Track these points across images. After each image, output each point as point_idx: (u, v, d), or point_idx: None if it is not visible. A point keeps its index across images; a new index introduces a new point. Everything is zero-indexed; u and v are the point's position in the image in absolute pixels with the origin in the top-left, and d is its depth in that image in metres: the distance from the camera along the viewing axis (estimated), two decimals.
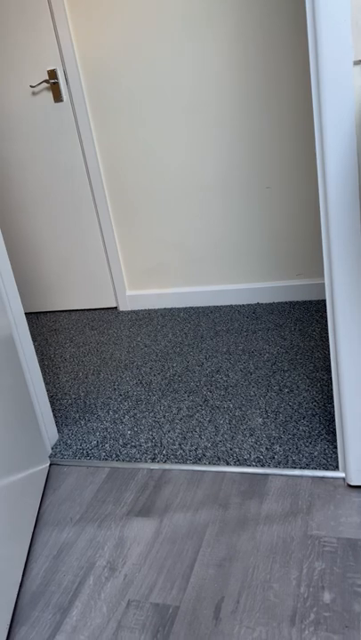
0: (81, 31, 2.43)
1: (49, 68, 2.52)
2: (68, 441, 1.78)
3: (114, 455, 1.67)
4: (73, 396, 2.06)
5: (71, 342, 2.58)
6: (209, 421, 1.75)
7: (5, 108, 2.67)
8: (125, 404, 1.94)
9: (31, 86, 2.55)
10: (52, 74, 2.52)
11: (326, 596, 1.11)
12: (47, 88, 2.56)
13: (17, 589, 1.24)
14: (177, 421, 1.78)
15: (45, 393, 1.75)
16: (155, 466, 1.59)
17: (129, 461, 1.63)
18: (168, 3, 2.28)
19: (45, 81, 2.54)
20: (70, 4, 2.40)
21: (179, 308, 2.75)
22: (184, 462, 1.58)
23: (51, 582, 1.27)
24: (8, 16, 2.49)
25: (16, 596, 1.23)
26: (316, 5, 1.02)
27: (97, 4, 2.36)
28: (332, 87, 1.06)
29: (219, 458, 1.57)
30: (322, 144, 1.13)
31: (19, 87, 2.60)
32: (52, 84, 2.54)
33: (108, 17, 2.37)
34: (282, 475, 1.47)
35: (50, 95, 2.57)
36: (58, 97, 2.56)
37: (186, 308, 2.73)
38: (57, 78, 2.52)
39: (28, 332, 1.67)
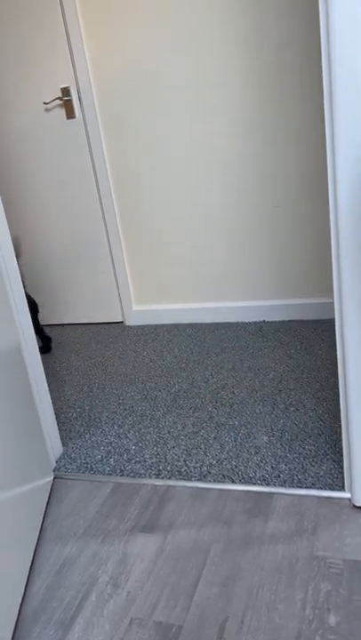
0: (94, 50, 2.48)
1: (62, 86, 2.57)
2: (73, 455, 1.77)
3: (118, 470, 1.66)
4: (78, 410, 2.06)
5: (77, 356, 2.58)
6: (214, 438, 1.74)
7: (19, 124, 2.71)
8: (130, 418, 1.94)
9: (44, 103, 2.60)
10: (66, 91, 2.56)
11: (332, 619, 1.10)
12: (60, 105, 2.61)
13: (19, 605, 1.23)
14: (182, 437, 1.77)
15: (51, 406, 1.75)
16: (159, 482, 1.58)
17: (133, 477, 1.62)
18: (180, 21, 2.32)
19: (59, 98, 2.58)
20: (85, 24, 2.45)
21: (185, 324, 2.76)
22: (188, 479, 1.57)
23: (53, 598, 1.26)
24: (25, 34, 2.55)
25: (18, 611, 1.22)
26: (331, 25, 1.04)
27: (111, 25, 2.41)
28: (345, 106, 1.07)
29: (224, 475, 1.56)
30: (334, 164, 1.14)
31: (32, 104, 2.64)
32: (65, 101, 2.58)
33: (122, 36, 2.42)
34: (287, 494, 1.46)
35: (62, 112, 2.61)
36: (70, 114, 2.60)
37: (192, 324, 2.74)
38: (70, 96, 2.57)
39: (36, 345, 1.68)
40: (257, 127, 2.37)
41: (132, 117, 2.53)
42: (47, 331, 2.98)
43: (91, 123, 2.59)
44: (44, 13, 2.48)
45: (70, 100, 2.57)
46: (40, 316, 3.06)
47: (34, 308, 2.59)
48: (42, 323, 3.07)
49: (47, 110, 2.63)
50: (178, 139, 2.50)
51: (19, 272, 1.60)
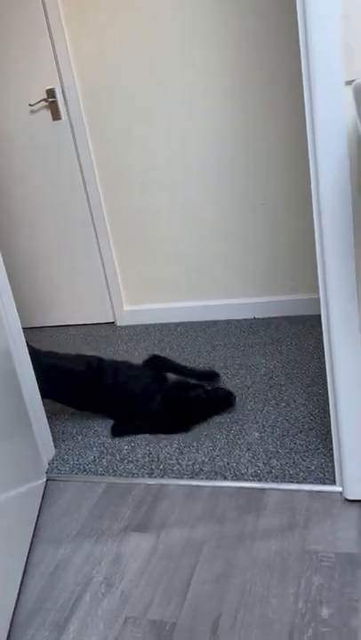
0: (79, 51, 2.47)
1: (47, 87, 2.56)
2: (65, 456, 1.78)
3: (111, 470, 1.66)
4: (70, 411, 2.06)
5: None
6: (206, 436, 1.75)
7: (5, 127, 2.70)
8: None
9: (30, 105, 2.59)
10: (51, 93, 2.56)
11: (324, 612, 1.11)
12: (46, 107, 2.60)
13: (13, 607, 1.23)
14: (174, 436, 1.78)
15: (42, 408, 1.75)
16: (152, 481, 1.59)
17: (126, 476, 1.63)
18: (164, 21, 2.32)
19: (44, 100, 2.57)
20: (68, 25, 2.45)
21: (176, 323, 2.76)
22: (181, 477, 1.58)
23: (47, 599, 1.26)
24: (8, 36, 2.54)
25: (12, 613, 1.22)
26: (309, 27, 1.05)
27: (94, 25, 2.41)
28: (324, 107, 1.08)
29: (216, 472, 1.56)
30: (315, 162, 1.15)
31: (18, 106, 2.64)
32: (51, 102, 2.58)
33: (106, 37, 2.41)
34: (279, 489, 1.47)
35: (48, 113, 2.61)
36: (56, 115, 2.59)
37: (183, 323, 2.74)
38: (55, 97, 2.56)
39: (26, 348, 1.68)
40: (243, 125, 2.38)
41: (117, 117, 2.53)
42: (36, 333, 2.97)
43: (77, 123, 2.58)
44: (26, 14, 2.47)
45: (56, 102, 2.57)
46: (32, 319, 3.05)
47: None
48: (30, 325, 3.06)
49: (33, 112, 2.63)
50: (164, 137, 2.50)
51: (6, 276, 1.60)
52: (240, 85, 2.32)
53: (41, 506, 1.58)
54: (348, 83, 1.05)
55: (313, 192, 1.18)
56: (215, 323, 2.67)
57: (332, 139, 1.10)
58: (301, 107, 2.28)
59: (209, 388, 1.87)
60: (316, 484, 1.45)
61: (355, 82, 0.80)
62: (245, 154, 2.42)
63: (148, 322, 2.83)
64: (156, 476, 1.60)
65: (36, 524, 1.51)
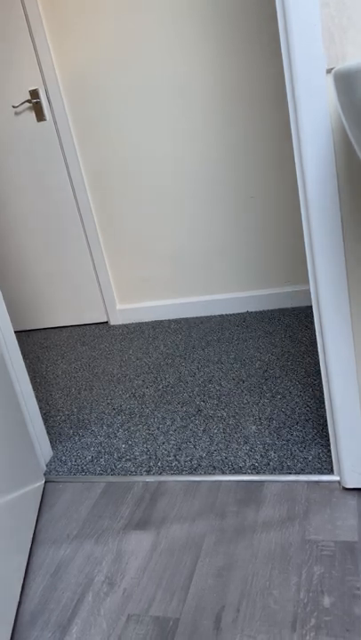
0: (60, 50, 2.46)
1: (30, 88, 2.55)
2: (63, 457, 1.77)
3: (109, 469, 1.66)
4: (66, 413, 2.06)
5: (63, 359, 2.58)
6: (203, 431, 1.75)
7: None
8: (119, 417, 1.94)
9: (13, 106, 2.58)
10: (34, 93, 2.55)
11: (326, 601, 1.11)
12: (29, 108, 2.59)
13: (15, 609, 1.23)
14: (171, 433, 1.78)
15: (38, 410, 1.75)
16: (150, 478, 1.59)
17: (124, 475, 1.62)
18: (146, 18, 2.31)
19: (28, 101, 2.56)
20: (48, 24, 2.43)
21: (169, 320, 2.76)
22: (179, 473, 1.58)
23: (49, 600, 1.26)
24: None
25: (15, 615, 1.22)
26: (288, 14, 1.04)
27: (74, 23, 2.40)
28: (306, 96, 1.08)
29: (214, 467, 1.56)
30: (300, 152, 1.15)
31: (1, 108, 2.62)
32: (35, 103, 2.56)
33: (86, 35, 2.40)
34: (277, 481, 1.47)
35: (32, 115, 2.59)
36: (40, 116, 2.58)
37: (176, 320, 2.74)
38: (39, 98, 2.55)
39: (19, 350, 1.67)
40: (230, 121, 2.37)
41: (102, 116, 2.52)
42: (30, 335, 2.97)
43: (61, 124, 2.57)
44: (6, 14, 2.46)
45: (39, 103, 2.56)
46: (25, 321, 3.04)
47: None
48: (23, 328, 3.06)
49: (17, 114, 2.61)
50: (151, 134, 2.49)
51: None
52: (226, 81, 2.32)
53: (40, 508, 1.57)
54: (329, 71, 1.05)
55: (299, 182, 1.18)
56: (209, 318, 2.67)
57: (315, 127, 1.10)
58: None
59: None
60: (314, 474, 1.45)
61: (334, 69, 0.80)
62: (233, 148, 2.42)
63: (142, 320, 2.83)
64: (154, 474, 1.60)
65: (36, 525, 1.51)
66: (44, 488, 1.66)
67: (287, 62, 1.10)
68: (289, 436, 1.63)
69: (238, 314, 2.64)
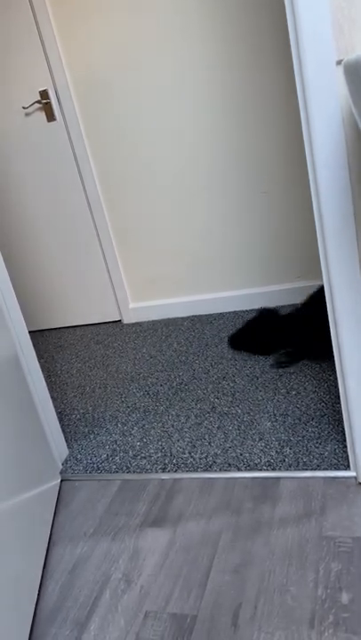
0: (69, 50, 2.47)
1: (40, 89, 2.56)
2: (79, 456, 1.78)
3: (124, 467, 1.67)
4: (81, 411, 2.06)
5: (77, 358, 2.59)
6: (218, 428, 1.74)
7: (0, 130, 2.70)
8: (133, 415, 1.94)
9: (24, 107, 2.59)
10: (44, 94, 2.56)
11: (344, 597, 1.10)
12: (40, 108, 2.60)
13: (34, 606, 1.24)
14: (186, 430, 1.78)
15: (53, 410, 1.76)
16: (165, 476, 1.59)
17: (140, 472, 1.63)
18: (155, 18, 2.31)
19: (38, 102, 2.57)
20: (57, 25, 2.44)
21: (182, 318, 2.75)
22: (195, 470, 1.57)
23: (67, 598, 1.27)
24: None
25: (33, 613, 1.23)
26: (296, 7, 1.03)
27: (83, 23, 2.40)
28: (316, 88, 1.07)
29: (229, 464, 1.56)
30: (310, 144, 1.14)
31: (11, 109, 2.64)
32: (45, 104, 2.57)
33: (95, 35, 2.40)
34: (293, 477, 1.46)
35: (43, 115, 2.61)
36: (51, 117, 2.59)
37: (189, 317, 2.74)
38: (49, 98, 2.56)
39: (33, 351, 1.68)
40: (242, 117, 2.36)
41: (112, 115, 2.52)
42: (44, 335, 2.98)
43: (72, 124, 2.58)
44: (14, 16, 2.47)
45: (49, 103, 2.56)
46: (39, 322, 3.06)
47: None
48: (37, 328, 3.08)
49: (27, 115, 2.63)
50: (161, 132, 2.49)
51: (9, 280, 1.60)
52: (236, 78, 2.30)
53: (57, 506, 1.58)
54: (339, 62, 1.03)
55: (310, 174, 1.17)
56: (221, 315, 2.66)
57: (326, 120, 1.09)
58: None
59: None
60: (331, 470, 1.44)
61: (344, 60, 0.79)
62: (246, 144, 2.40)
63: (155, 318, 2.83)
64: (169, 471, 1.60)
65: (53, 524, 1.52)
66: (60, 487, 1.67)
67: (296, 55, 1.09)
68: (304, 432, 1.62)
69: (252, 310, 2.62)
